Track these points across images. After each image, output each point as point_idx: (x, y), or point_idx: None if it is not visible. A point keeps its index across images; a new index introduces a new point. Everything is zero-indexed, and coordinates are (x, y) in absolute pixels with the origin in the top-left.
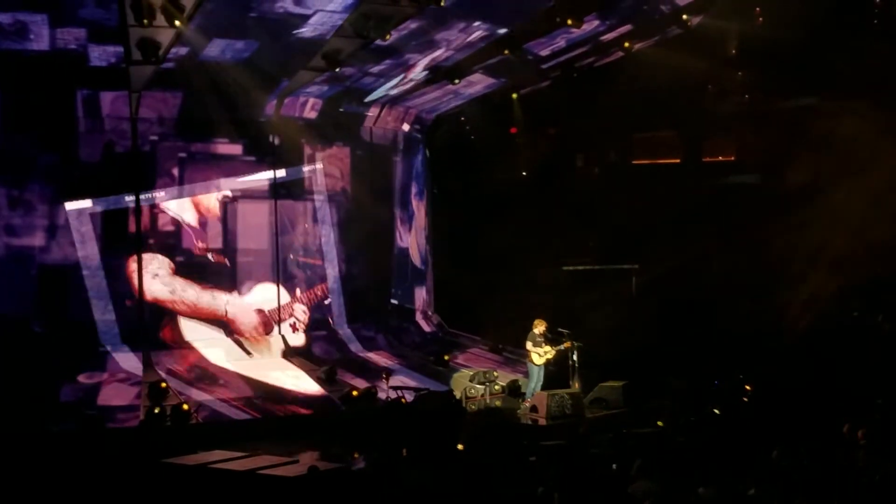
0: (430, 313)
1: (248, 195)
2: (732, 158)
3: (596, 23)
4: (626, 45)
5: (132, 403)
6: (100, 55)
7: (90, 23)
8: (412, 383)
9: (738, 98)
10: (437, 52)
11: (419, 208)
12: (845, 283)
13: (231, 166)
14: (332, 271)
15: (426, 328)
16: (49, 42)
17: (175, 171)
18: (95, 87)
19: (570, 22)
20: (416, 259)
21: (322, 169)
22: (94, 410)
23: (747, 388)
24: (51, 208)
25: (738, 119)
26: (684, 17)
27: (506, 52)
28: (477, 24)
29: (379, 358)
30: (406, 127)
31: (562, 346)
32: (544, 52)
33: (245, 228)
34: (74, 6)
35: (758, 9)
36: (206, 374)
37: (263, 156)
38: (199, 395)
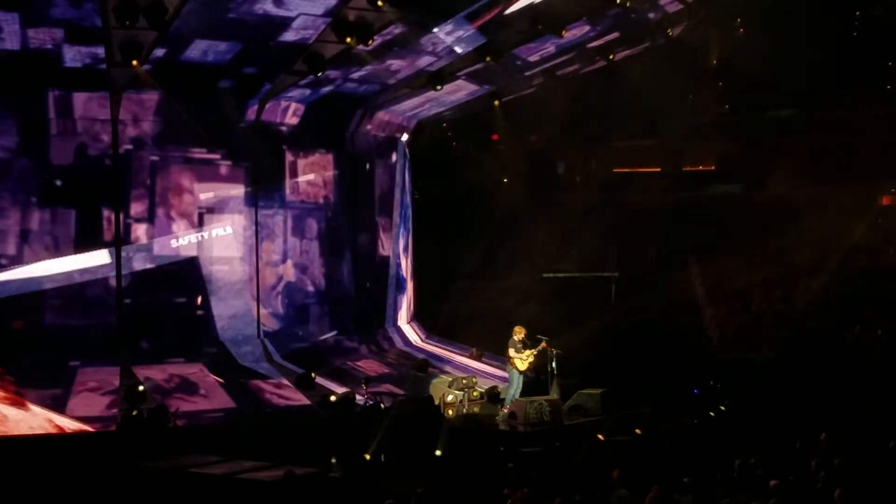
0: (411, 321)
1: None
2: (713, 168)
3: (587, 28)
4: (611, 57)
5: (102, 415)
6: (74, 56)
7: (62, 22)
8: (394, 390)
9: (719, 108)
10: None
11: (400, 215)
12: (823, 293)
13: (208, 173)
14: (315, 281)
15: (409, 336)
16: (20, 42)
17: (149, 177)
18: (68, 88)
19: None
20: (397, 267)
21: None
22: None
23: (724, 404)
24: (23, 212)
25: (718, 129)
26: (667, 27)
27: (487, 58)
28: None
29: (361, 367)
30: (388, 133)
31: (540, 347)
32: (533, 58)
33: None
34: (46, 5)
35: (739, 20)
36: (187, 384)
37: (242, 162)
38: (178, 404)
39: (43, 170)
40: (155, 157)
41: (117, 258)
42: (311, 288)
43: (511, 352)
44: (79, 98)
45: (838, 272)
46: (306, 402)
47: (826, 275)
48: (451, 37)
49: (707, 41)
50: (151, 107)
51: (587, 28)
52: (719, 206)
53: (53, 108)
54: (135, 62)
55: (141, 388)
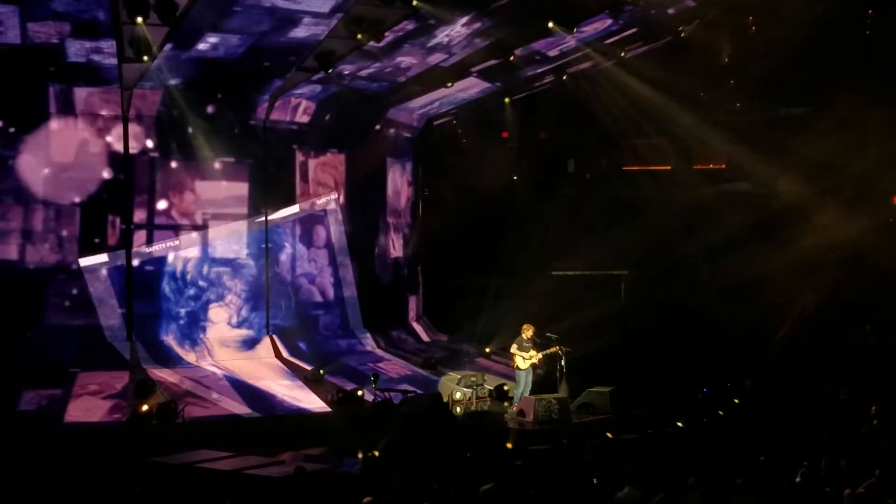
0: (422, 318)
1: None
2: (723, 166)
3: (609, 21)
4: (622, 54)
5: (103, 420)
6: (77, 50)
7: (63, 15)
8: (409, 388)
9: (730, 107)
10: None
11: (411, 213)
12: (832, 294)
13: (215, 173)
14: (328, 281)
15: (420, 335)
16: (20, 35)
17: (153, 175)
18: (69, 83)
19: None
20: (408, 265)
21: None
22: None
23: (735, 401)
24: (25, 210)
25: (729, 127)
26: (679, 24)
27: (500, 55)
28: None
29: (380, 368)
30: (398, 131)
31: (548, 351)
32: (553, 53)
33: None
34: None
35: (751, 18)
36: (199, 387)
37: (252, 162)
38: (190, 410)
39: (45, 166)
40: (159, 156)
41: (127, 258)
42: (319, 298)
43: (514, 348)
44: (80, 93)
45: (848, 272)
46: (320, 404)
47: (836, 274)
48: (465, 28)
49: (718, 39)
50: (154, 101)
51: (609, 21)
52: (729, 204)
53: (54, 103)
54: (145, 58)
55: (150, 382)
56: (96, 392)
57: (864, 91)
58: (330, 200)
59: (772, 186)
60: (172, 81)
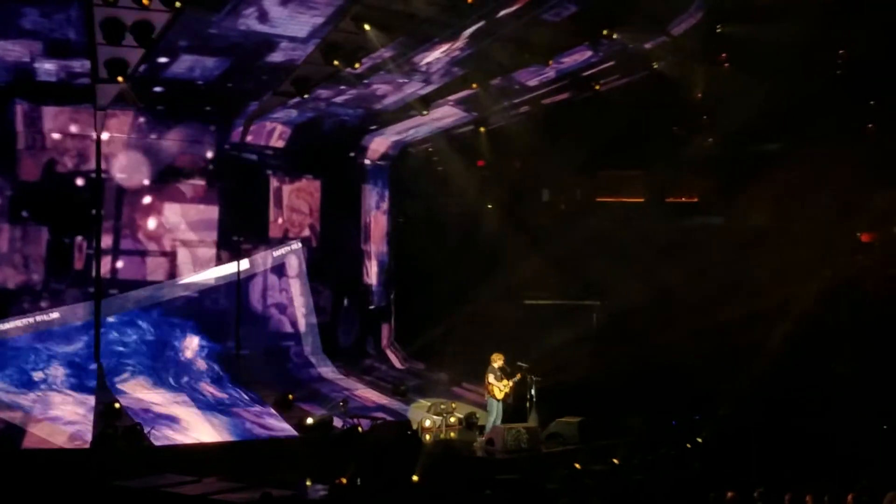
0: (394, 345)
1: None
2: (695, 200)
3: (588, 53)
4: (597, 87)
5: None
6: (48, 70)
7: (32, 34)
8: (380, 416)
9: (703, 141)
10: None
11: (384, 240)
12: (800, 327)
13: (186, 198)
14: (300, 311)
15: (393, 362)
16: None
17: (120, 199)
18: (37, 101)
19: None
20: (381, 292)
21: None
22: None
23: (699, 439)
24: None
25: (701, 162)
26: (653, 59)
27: (474, 85)
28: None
29: (358, 396)
30: (374, 158)
31: (517, 378)
32: (532, 83)
33: None
34: (15, 15)
35: (724, 54)
36: (167, 415)
37: (225, 186)
38: (156, 434)
39: (11, 186)
40: (128, 180)
41: (97, 281)
42: (289, 328)
43: (490, 378)
44: (48, 112)
45: (818, 307)
46: (288, 430)
47: (806, 309)
48: (444, 56)
49: (692, 74)
50: (126, 121)
51: (588, 54)
52: (701, 237)
53: (21, 121)
54: (120, 78)
55: (116, 405)
56: (56, 417)
57: (834, 129)
58: (304, 227)
59: (744, 221)
60: (146, 103)
